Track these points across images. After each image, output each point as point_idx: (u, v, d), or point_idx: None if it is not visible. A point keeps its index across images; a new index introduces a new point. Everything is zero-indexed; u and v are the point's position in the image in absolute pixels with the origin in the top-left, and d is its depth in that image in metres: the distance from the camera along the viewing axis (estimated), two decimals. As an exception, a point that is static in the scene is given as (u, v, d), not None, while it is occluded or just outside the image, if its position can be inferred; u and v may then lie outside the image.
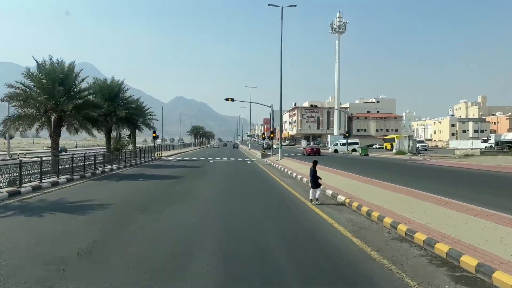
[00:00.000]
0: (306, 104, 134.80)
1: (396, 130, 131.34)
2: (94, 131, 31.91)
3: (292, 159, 36.61)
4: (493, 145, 67.69)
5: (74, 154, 26.73)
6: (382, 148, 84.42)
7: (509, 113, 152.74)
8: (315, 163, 14.89)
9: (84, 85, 26.08)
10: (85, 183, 19.94)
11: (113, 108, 31.56)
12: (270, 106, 46.64)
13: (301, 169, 26.96)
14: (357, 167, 28.85)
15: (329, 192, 15.95)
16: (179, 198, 14.34)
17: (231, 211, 12.39)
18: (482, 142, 77.84)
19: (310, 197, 13.96)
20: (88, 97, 26.20)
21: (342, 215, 11.61)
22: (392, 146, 74.03)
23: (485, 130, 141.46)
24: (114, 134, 36.94)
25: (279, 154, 37.67)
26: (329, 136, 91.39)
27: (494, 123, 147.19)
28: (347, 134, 65.85)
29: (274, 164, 34.41)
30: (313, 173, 14.22)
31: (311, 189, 14.09)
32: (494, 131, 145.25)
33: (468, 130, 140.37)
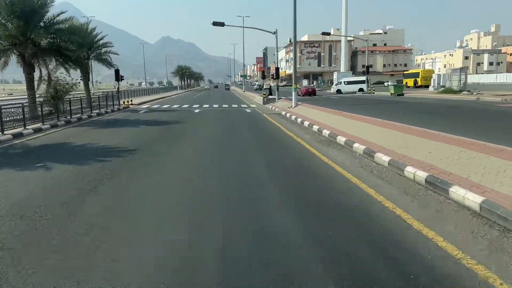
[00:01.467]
0: (306, 39, 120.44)
1: (405, 65, 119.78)
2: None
3: (310, 106, 25.47)
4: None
5: None
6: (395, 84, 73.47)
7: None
8: None
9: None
10: None
11: (30, 33, 19.52)
12: (274, 33, 34.54)
13: (345, 126, 15.96)
14: (439, 120, 17.92)
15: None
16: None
17: None
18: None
19: None
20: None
21: None
22: (415, 82, 62.86)
23: (501, 63, 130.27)
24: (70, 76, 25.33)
25: (293, 99, 26.36)
26: (335, 73, 79.31)
27: (511, 55, 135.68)
28: (367, 69, 53.90)
29: (288, 115, 23.22)
30: None
31: None
32: (510, 63, 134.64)
33: (482, 63, 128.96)
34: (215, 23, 32.75)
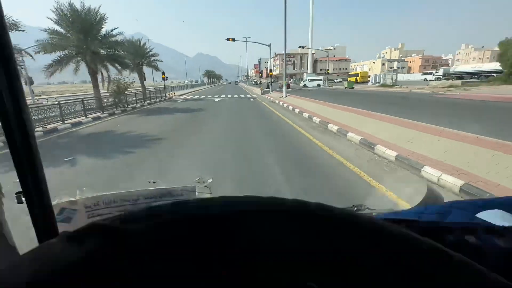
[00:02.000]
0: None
1: (346, 69, 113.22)
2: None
3: (297, 96, 21.28)
4: (440, 77, 51.56)
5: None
6: (341, 81, 68.17)
7: (420, 55, 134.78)
8: None
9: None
10: None
11: (89, 44, 15.03)
12: (269, 45, 29.67)
13: (331, 114, 11.94)
14: (388, 106, 13.87)
15: None
16: None
17: None
18: (422, 75, 61.23)
19: None
20: None
21: None
22: (356, 80, 57.62)
23: (404, 67, 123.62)
24: (121, 76, 20.80)
25: (283, 91, 22.14)
26: (304, 74, 73.50)
27: (410, 62, 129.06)
28: (327, 71, 48.69)
29: (281, 103, 19.04)
30: None
31: None
32: (409, 68, 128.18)
33: (393, 68, 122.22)
34: (228, 39, 27.80)
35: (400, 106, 14.22)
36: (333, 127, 9.42)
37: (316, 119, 11.29)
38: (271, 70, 29.31)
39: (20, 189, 0.55)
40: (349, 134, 8.13)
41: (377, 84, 36.48)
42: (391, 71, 35.51)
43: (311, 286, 0.48)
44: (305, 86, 50.16)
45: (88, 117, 13.24)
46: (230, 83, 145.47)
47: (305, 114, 12.85)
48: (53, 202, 0.60)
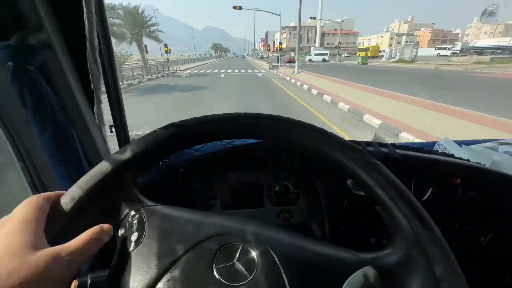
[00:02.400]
0: (293, 24, 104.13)
1: (353, 43, 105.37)
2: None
3: (310, 73, 17.93)
4: (457, 52, 46.00)
5: None
6: (349, 56, 62.39)
7: (429, 29, 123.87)
8: None
9: None
10: None
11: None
12: (279, 14, 25.36)
13: (362, 100, 8.92)
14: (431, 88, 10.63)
15: None
16: None
17: None
18: (435, 50, 55.07)
19: None
20: None
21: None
22: (367, 54, 52.30)
23: (413, 42, 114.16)
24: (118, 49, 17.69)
25: (296, 67, 18.69)
26: (312, 47, 67.81)
27: (419, 36, 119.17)
28: (339, 45, 43.52)
29: (293, 81, 15.74)
30: None
31: None
32: (418, 42, 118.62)
33: (401, 42, 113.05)
34: (234, 7, 23.77)
35: (455, 91, 10.72)
36: (371, 120, 6.54)
37: (343, 106, 8.35)
38: (280, 43, 25.36)
39: (112, 123, 0.79)
40: (403, 135, 5.31)
41: (393, 60, 32.13)
42: (410, 45, 31.07)
43: (286, 184, 0.84)
44: (310, 60, 45.61)
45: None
46: (237, 56, 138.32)
47: (326, 97, 9.87)
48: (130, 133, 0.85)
